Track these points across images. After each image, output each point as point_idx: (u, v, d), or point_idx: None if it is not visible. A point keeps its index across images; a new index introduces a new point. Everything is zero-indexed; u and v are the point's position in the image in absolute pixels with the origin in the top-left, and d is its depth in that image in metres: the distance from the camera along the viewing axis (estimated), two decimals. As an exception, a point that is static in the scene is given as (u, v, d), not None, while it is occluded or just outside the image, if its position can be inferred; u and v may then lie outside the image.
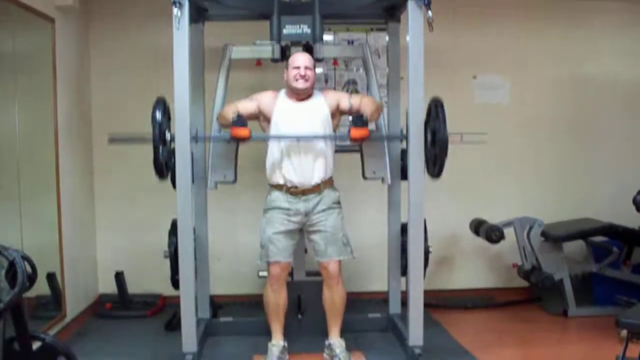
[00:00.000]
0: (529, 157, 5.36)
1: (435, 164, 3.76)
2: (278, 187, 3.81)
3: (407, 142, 3.76)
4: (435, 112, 3.72)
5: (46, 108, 4.22)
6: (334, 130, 3.85)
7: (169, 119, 3.74)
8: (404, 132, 3.82)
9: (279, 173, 3.78)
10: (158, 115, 3.64)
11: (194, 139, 3.77)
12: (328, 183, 3.84)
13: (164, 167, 3.68)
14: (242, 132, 3.70)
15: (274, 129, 3.79)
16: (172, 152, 3.68)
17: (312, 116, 3.77)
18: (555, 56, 5.32)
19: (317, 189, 3.78)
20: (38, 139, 4.18)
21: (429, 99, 3.78)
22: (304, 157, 3.74)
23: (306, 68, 3.70)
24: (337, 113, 3.86)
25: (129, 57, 5.06)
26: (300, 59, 3.75)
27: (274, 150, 3.80)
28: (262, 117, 3.86)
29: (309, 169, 3.75)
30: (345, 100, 3.84)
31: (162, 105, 3.69)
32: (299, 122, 3.74)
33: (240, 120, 3.71)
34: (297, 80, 3.70)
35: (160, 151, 3.63)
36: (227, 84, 4.10)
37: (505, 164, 5.33)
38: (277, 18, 3.94)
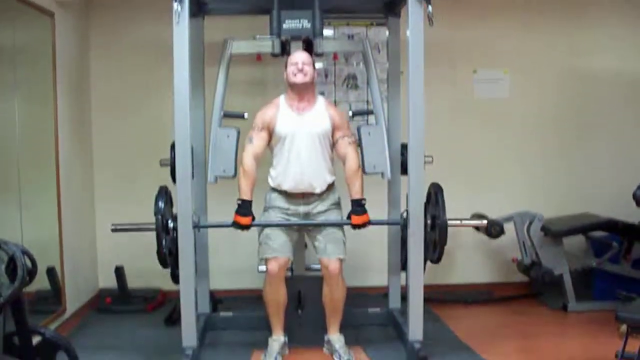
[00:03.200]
0: (528, 151, 5.35)
1: (435, 249, 3.81)
2: (278, 191, 3.83)
3: (407, 226, 3.77)
4: (435, 198, 3.80)
5: (46, 102, 4.22)
6: (333, 145, 3.85)
7: (172, 206, 3.79)
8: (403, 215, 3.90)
9: (282, 181, 3.79)
10: (160, 204, 3.70)
11: (196, 227, 3.77)
12: (329, 187, 3.85)
13: (168, 255, 3.73)
14: (243, 220, 3.74)
15: (276, 142, 3.78)
16: (175, 241, 3.71)
17: (314, 129, 3.75)
18: (556, 50, 5.31)
19: (318, 193, 3.81)
20: (38, 133, 4.18)
21: (429, 185, 3.85)
22: (306, 167, 3.74)
23: (304, 64, 3.70)
24: (335, 131, 3.83)
25: (128, 51, 5.05)
26: (297, 56, 3.76)
27: (278, 158, 3.80)
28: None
29: (311, 179, 3.76)
30: (340, 133, 3.82)
31: (164, 194, 3.76)
32: (301, 135, 3.72)
33: (244, 208, 3.74)
34: (295, 75, 3.69)
35: (164, 241, 3.68)
36: (227, 79, 4.09)
37: (505, 159, 5.33)
38: (277, 12, 3.94)
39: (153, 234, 3.69)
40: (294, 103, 3.78)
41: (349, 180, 3.83)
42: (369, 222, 3.83)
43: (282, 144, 3.75)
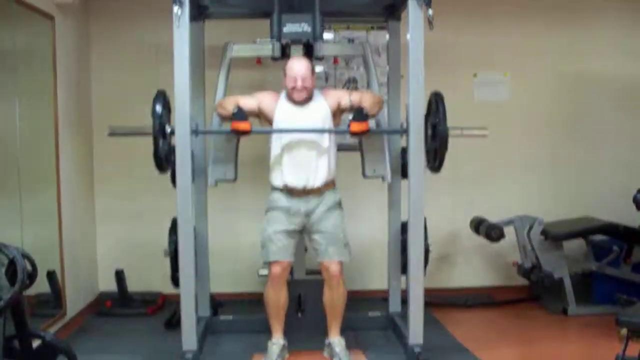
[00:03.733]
0: (529, 155, 5.35)
1: (435, 158, 3.77)
2: (279, 188, 3.82)
3: (407, 136, 3.75)
4: (435, 106, 3.74)
5: (46, 105, 4.22)
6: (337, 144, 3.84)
7: (169, 111, 3.74)
8: (404, 126, 3.81)
9: (281, 175, 3.77)
10: (158, 108, 3.64)
11: (194, 132, 3.74)
12: (330, 185, 3.83)
13: (164, 160, 3.68)
14: (242, 125, 3.69)
15: (276, 136, 3.77)
16: (172, 146, 3.68)
17: (314, 117, 3.75)
18: (556, 54, 5.31)
19: (318, 190, 3.78)
20: (38, 136, 4.19)
21: (430, 93, 3.79)
22: (306, 160, 3.73)
23: (303, 79, 3.67)
24: (338, 112, 3.84)
25: (129, 55, 5.06)
26: (295, 68, 3.70)
27: (276, 152, 3.78)
28: (263, 118, 3.86)
29: (311, 171, 3.74)
30: (345, 98, 3.82)
31: (162, 98, 3.70)
32: (300, 124, 3.73)
33: (240, 113, 3.70)
34: (294, 92, 3.69)
35: (160, 144, 3.63)
36: (227, 82, 4.10)
37: (505, 162, 5.34)
38: (277, 16, 3.94)
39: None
40: (292, 100, 3.78)
41: (366, 102, 3.75)
42: (367, 131, 3.75)
43: (281, 137, 3.75)
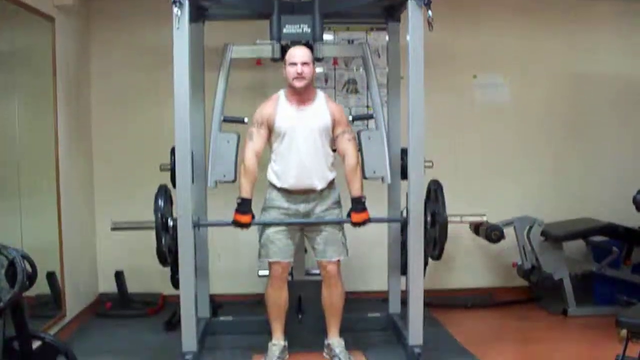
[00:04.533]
0: (529, 156, 5.36)
1: (435, 247, 3.82)
2: (278, 187, 3.81)
3: (407, 223, 3.77)
4: (435, 195, 3.81)
5: (46, 107, 4.22)
6: (333, 140, 3.83)
7: (171, 204, 3.79)
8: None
9: (281, 178, 3.77)
10: (160, 202, 3.71)
11: (196, 225, 3.76)
12: (330, 184, 3.84)
13: (167, 254, 3.72)
14: (243, 219, 3.73)
15: (276, 138, 3.76)
16: (174, 239, 3.70)
17: (314, 120, 3.74)
18: (556, 55, 5.31)
19: (318, 190, 3.79)
20: (38, 138, 4.19)
21: (429, 181, 3.85)
22: (306, 163, 3.73)
23: (303, 64, 3.66)
24: (335, 127, 3.81)
25: (128, 57, 5.06)
26: (297, 53, 3.71)
27: (277, 156, 3.78)
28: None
29: (312, 175, 3.74)
30: (340, 129, 3.80)
31: (164, 192, 3.76)
32: (301, 131, 3.71)
33: (244, 205, 3.72)
34: (294, 78, 3.68)
35: (163, 239, 3.68)
36: (227, 84, 4.10)
37: (505, 163, 5.34)
38: (277, 17, 3.94)
39: (153, 237, 3.69)
40: (293, 99, 3.76)
41: (348, 177, 3.82)
42: (368, 220, 3.82)
43: (282, 139, 3.74)
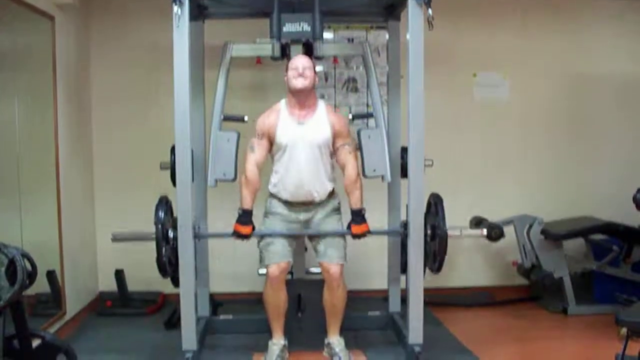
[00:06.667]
0: (529, 154, 5.36)
1: (435, 260, 3.83)
2: (278, 197, 3.84)
3: (407, 234, 3.78)
4: (435, 208, 3.81)
5: (46, 105, 4.22)
6: (333, 152, 3.84)
7: (171, 215, 3.80)
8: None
9: (281, 190, 3.79)
10: (160, 213, 3.72)
11: (197, 237, 3.79)
12: (330, 194, 3.86)
13: (167, 264, 3.74)
14: (244, 230, 3.78)
15: (276, 150, 3.78)
16: (175, 250, 3.72)
17: (314, 139, 3.74)
18: (555, 54, 5.31)
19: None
20: (38, 136, 4.18)
21: (429, 195, 3.86)
22: (305, 177, 3.74)
23: (305, 68, 3.68)
24: (335, 139, 3.82)
25: (128, 55, 5.05)
26: (298, 60, 3.73)
27: (277, 167, 3.80)
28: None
29: (310, 188, 3.76)
30: (340, 141, 3.81)
31: (164, 204, 3.77)
32: (301, 145, 3.71)
33: (245, 216, 3.77)
34: (295, 79, 3.67)
35: (163, 250, 3.69)
36: (227, 82, 4.09)
37: (505, 162, 5.34)
38: (277, 16, 3.94)
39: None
40: (294, 111, 3.75)
41: (348, 189, 3.84)
42: (368, 232, 3.86)
43: (282, 153, 3.75)
